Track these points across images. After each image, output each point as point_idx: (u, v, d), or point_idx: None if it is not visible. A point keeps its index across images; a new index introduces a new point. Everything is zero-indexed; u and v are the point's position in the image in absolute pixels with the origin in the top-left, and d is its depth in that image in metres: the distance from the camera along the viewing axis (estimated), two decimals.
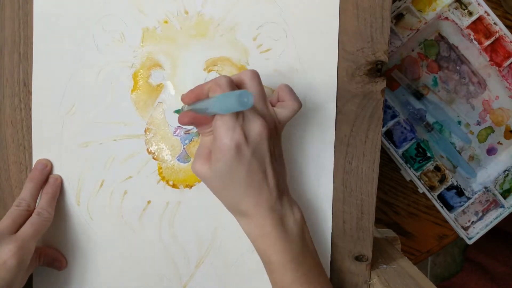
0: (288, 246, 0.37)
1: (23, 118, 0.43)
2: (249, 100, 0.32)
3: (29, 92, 0.43)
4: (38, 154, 0.43)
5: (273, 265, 0.37)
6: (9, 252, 0.36)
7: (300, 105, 0.39)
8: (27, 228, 0.39)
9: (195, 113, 0.36)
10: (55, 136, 0.43)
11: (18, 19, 0.42)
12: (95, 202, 0.44)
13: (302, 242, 0.38)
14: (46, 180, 0.43)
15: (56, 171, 0.44)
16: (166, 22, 0.43)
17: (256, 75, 0.37)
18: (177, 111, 0.41)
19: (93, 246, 0.45)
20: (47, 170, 0.43)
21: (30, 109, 0.43)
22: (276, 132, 0.38)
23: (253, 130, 0.35)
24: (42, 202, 0.42)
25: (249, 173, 0.35)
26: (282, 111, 0.38)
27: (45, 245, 0.44)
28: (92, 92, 0.43)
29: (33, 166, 0.43)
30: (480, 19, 0.60)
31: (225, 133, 0.34)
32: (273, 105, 0.39)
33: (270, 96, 0.41)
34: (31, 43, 0.43)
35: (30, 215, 0.41)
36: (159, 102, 0.44)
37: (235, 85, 0.36)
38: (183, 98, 0.38)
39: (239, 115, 0.35)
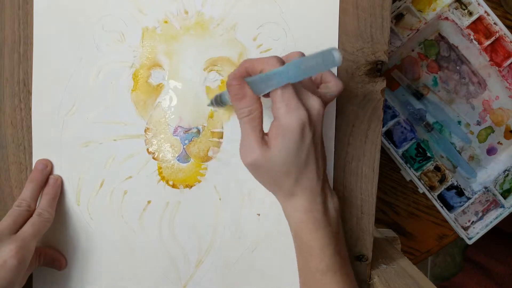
0: (328, 231, 0.37)
1: (23, 118, 0.43)
2: (337, 57, 0.29)
3: (29, 92, 0.43)
4: (38, 154, 0.43)
5: (312, 249, 0.37)
6: (10, 252, 0.36)
7: (343, 86, 0.38)
8: (28, 228, 0.39)
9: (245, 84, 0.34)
10: (55, 136, 0.43)
11: (18, 19, 0.42)
12: (95, 202, 0.44)
13: (339, 229, 0.39)
14: (46, 181, 0.43)
15: (56, 171, 0.44)
16: (166, 22, 0.43)
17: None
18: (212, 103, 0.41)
19: (93, 246, 0.45)
20: (48, 170, 0.43)
21: (30, 109, 0.43)
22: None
23: (314, 109, 0.34)
24: (43, 202, 0.42)
25: (309, 155, 0.35)
26: (326, 92, 0.38)
27: (45, 245, 0.44)
28: (92, 92, 0.43)
29: (33, 166, 0.43)
30: (480, 19, 0.60)
31: (289, 113, 0.33)
32: (317, 87, 0.38)
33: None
34: (31, 43, 0.43)
35: (30, 215, 0.41)
36: (159, 102, 0.44)
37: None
38: (231, 76, 0.35)
39: (297, 93, 0.34)
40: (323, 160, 0.38)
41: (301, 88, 0.35)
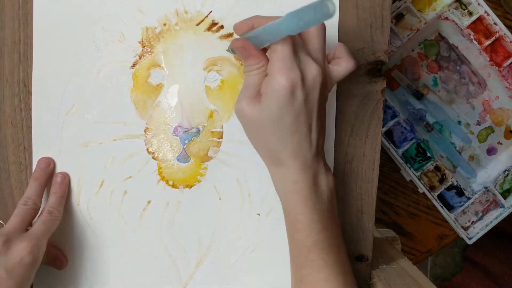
0: (317, 206, 0.36)
1: (23, 118, 0.43)
2: (331, 8, 0.30)
3: (29, 92, 0.43)
4: (38, 154, 0.43)
5: (299, 224, 0.37)
6: (25, 250, 0.37)
7: (355, 65, 0.37)
8: (39, 226, 0.40)
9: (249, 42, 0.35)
10: (55, 136, 0.43)
11: (18, 19, 0.42)
12: (95, 202, 0.44)
13: (331, 207, 0.38)
14: (50, 178, 0.43)
15: (56, 171, 0.44)
16: (165, 21, 0.43)
17: (323, 30, 0.36)
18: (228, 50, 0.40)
19: (93, 245, 0.45)
20: (51, 168, 0.43)
21: (30, 109, 0.43)
22: (326, 87, 0.36)
23: (310, 73, 0.34)
24: (52, 201, 0.42)
25: (296, 120, 0.34)
26: (336, 68, 0.37)
27: (47, 244, 0.44)
28: (92, 92, 0.43)
29: (33, 166, 0.43)
30: (480, 19, 0.60)
31: (281, 70, 0.33)
32: (328, 62, 0.37)
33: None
34: (31, 43, 0.43)
35: (37, 213, 0.41)
36: (158, 101, 0.44)
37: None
38: (236, 26, 0.36)
39: (296, 55, 0.34)
40: (318, 132, 0.36)
41: (304, 54, 0.35)
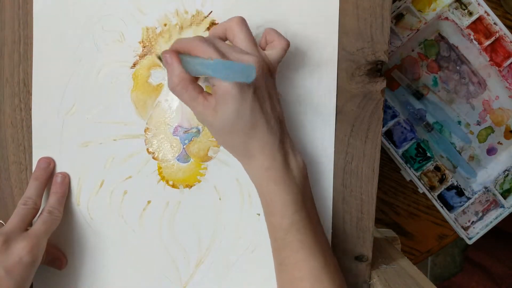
0: (290, 188, 0.38)
1: (23, 118, 0.43)
2: (253, 74, 0.33)
3: (29, 92, 0.43)
4: (38, 154, 0.43)
5: (274, 206, 0.38)
6: (24, 249, 0.37)
7: (288, 43, 0.39)
8: (39, 226, 0.40)
9: (180, 62, 0.36)
10: (55, 136, 0.43)
11: (18, 19, 0.42)
12: (95, 202, 0.44)
13: (303, 188, 0.39)
14: (50, 178, 0.43)
15: (57, 171, 0.44)
16: (166, 21, 0.43)
17: (243, 21, 0.38)
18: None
19: (93, 246, 0.45)
20: (51, 168, 0.43)
21: (30, 109, 0.43)
22: (270, 74, 0.38)
23: None
24: (52, 201, 0.42)
25: (252, 113, 0.36)
26: (272, 52, 0.38)
27: (47, 244, 0.44)
28: (92, 92, 0.43)
29: (33, 166, 0.43)
30: (480, 19, 0.60)
31: (221, 80, 0.34)
32: (262, 49, 0.39)
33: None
34: (31, 43, 0.43)
35: (37, 212, 0.41)
36: (158, 101, 0.44)
37: (223, 33, 0.38)
38: (173, 46, 0.38)
39: (228, 58, 0.35)
40: (276, 117, 0.38)
41: (235, 52, 0.36)
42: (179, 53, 0.37)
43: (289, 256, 0.38)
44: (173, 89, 0.36)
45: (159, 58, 0.41)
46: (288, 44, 0.39)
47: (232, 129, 0.36)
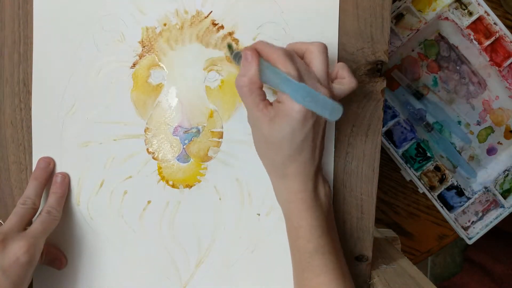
0: (317, 214, 0.39)
1: (23, 118, 0.43)
2: (339, 114, 0.34)
3: (29, 92, 0.43)
4: (38, 154, 0.43)
5: (301, 230, 0.39)
6: (21, 249, 0.37)
7: (357, 83, 0.39)
8: (37, 226, 0.40)
9: (258, 64, 0.36)
10: (55, 136, 0.43)
11: (18, 19, 0.42)
12: (95, 202, 0.44)
13: (329, 214, 0.41)
14: (49, 178, 0.43)
15: (57, 170, 0.44)
16: (165, 21, 0.43)
17: (325, 50, 0.38)
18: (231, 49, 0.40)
19: (93, 246, 0.45)
20: (50, 168, 0.43)
21: (30, 109, 0.43)
22: None
23: None
24: (52, 201, 0.42)
25: (305, 140, 0.37)
26: (340, 87, 0.39)
27: (47, 244, 0.44)
28: (92, 92, 0.43)
29: (33, 166, 0.43)
30: (480, 19, 0.60)
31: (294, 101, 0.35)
32: (332, 81, 0.39)
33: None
34: (31, 43, 0.43)
35: (35, 212, 0.41)
36: (158, 101, 0.44)
37: (301, 52, 0.38)
38: (255, 45, 0.37)
39: (304, 81, 0.35)
40: (320, 150, 0.39)
41: (311, 78, 0.36)
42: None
43: (310, 279, 0.39)
44: (240, 88, 0.36)
45: (230, 46, 0.40)
46: (356, 85, 0.39)
47: (280, 146, 0.37)
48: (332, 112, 0.34)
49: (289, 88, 0.34)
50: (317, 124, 0.37)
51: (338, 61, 0.43)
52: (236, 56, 0.39)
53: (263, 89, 0.37)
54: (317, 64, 0.37)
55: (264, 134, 0.37)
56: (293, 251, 0.41)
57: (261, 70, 0.36)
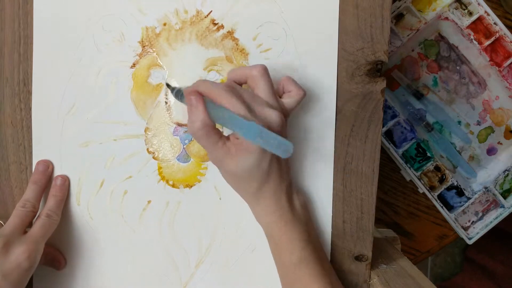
0: (297, 226, 0.40)
1: (23, 118, 0.43)
2: (290, 151, 0.34)
3: (29, 92, 0.43)
4: (38, 154, 0.43)
5: (283, 245, 0.40)
6: (23, 255, 0.37)
7: (304, 93, 0.40)
8: (38, 230, 0.40)
9: (205, 106, 0.35)
10: (55, 136, 0.43)
11: (18, 19, 0.42)
12: (95, 202, 0.44)
13: (309, 223, 0.42)
14: (49, 181, 0.43)
15: (56, 171, 0.44)
16: (165, 21, 0.43)
17: (266, 71, 0.38)
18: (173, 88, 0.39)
19: (93, 246, 0.45)
20: (50, 171, 0.43)
21: (30, 109, 0.43)
22: (286, 121, 0.39)
23: (273, 122, 0.36)
24: (51, 204, 0.42)
25: (271, 163, 0.38)
26: (289, 101, 0.39)
27: (46, 244, 0.44)
28: (92, 92, 0.43)
29: (33, 167, 0.43)
30: (480, 19, 0.60)
31: None
32: (279, 96, 0.40)
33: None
34: (31, 43, 0.43)
35: (35, 215, 0.41)
36: (158, 101, 0.44)
37: (243, 79, 0.38)
38: (196, 87, 0.37)
39: (253, 110, 0.36)
40: (286, 167, 0.41)
41: (258, 104, 0.36)
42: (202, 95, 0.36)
43: None
44: (194, 133, 0.36)
45: (168, 86, 0.40)
46: (304, 95, 0.40)
47: (249, 177, 0.38)
48: (284, 150, 0.34)
49: (242, 129, 0.34)
50: None
51: (338, 61, 0.43)
52: (177, 93, 0.39)
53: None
54: (261, 88, 0.37)
55: (232, 170, 0.37)
56: (279, 266, 0.41)
57: (209, 112, 0.35)
